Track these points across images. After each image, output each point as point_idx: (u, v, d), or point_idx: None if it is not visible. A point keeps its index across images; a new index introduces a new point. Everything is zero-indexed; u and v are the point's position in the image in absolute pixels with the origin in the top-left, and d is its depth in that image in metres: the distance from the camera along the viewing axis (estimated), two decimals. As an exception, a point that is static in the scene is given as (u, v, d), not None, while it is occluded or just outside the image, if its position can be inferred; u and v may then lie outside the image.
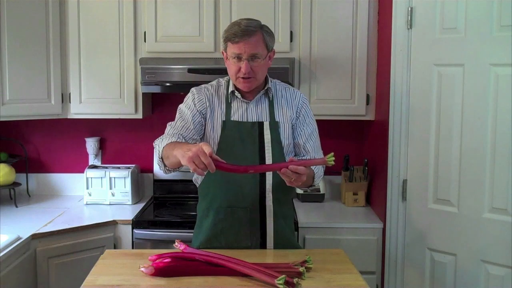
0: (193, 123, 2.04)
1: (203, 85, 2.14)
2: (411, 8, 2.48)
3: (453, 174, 2.37)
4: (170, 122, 2.09)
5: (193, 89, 2.13)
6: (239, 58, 1.96)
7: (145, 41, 2.91)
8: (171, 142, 1.90)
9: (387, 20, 2.66)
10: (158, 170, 3.19)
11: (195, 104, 2.06)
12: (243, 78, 1.98)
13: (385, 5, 2.72)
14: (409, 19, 2.49)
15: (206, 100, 2.07)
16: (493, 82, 2.22)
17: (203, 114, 2.06)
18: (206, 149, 1.63)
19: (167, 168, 1.95)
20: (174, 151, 1.76)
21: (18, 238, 2.35)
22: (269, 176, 2.04)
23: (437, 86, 2.42)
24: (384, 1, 2.75)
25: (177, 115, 2.09)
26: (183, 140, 1.99)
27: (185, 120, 2.04)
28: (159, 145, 1.95)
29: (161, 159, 1.93)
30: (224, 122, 2.05)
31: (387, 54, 2.64)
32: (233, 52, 1.97)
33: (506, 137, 2.20)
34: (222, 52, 2.06)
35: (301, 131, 2.11)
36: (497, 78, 2.21)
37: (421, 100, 2.48)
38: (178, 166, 1.87)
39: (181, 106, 2.11)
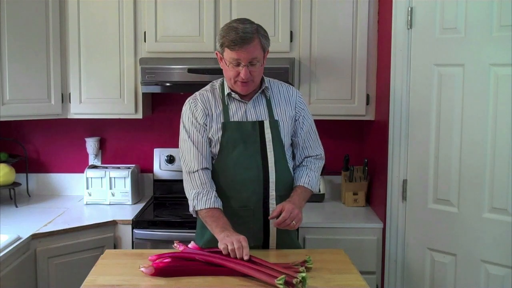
0: (206, 142, 2.05)
1: (197, 93, 2.12)
2: (411, 8, 2.48)
3: (453, 174, 2.37)
4: (184, 149, 2.07)
5: (188, 102, 2.10)
6: (237, 64, 1.96)
7: (145, 41, 2.91)
8: (210, 209, 1.96)
9: (387, 20, 2.66)
10: (158, 170, 3.22)
11: (197, 120, 2.06)
12: (241, 82, 1.99)
13: (385, 5, 2.72)
14: (409, 19, 2.49)
15: (204, 108, 2.07)
16: (493, 82, 2.22)
17: (206, 125, 2.07)
18: (245, 245, 1.79)
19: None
20: (213, 228, 1.91)
21: (18, 238, 2.35)
22: (272, 173, 2.05)
23: (437, 86, 2.41)
24: (384, 1, 2.75)
25: (185, 138, 2.06)
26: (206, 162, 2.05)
27: (197, 144, 2.04)
28: (194, 201, 2.00)
29: (195, 212, 2.02)
30: (224, 124, 2.05)
31: (387, 54, 2.64)
32: (231, 58, 1.96)
33: (506, 137, 2.19)
34: (216, 53, 2.04)
35: (297, 129, 2.13)
36: (497, 78, 2.21)
37: (421, 100, 2.48)
38: None
39: (185, 123, 2.08)
